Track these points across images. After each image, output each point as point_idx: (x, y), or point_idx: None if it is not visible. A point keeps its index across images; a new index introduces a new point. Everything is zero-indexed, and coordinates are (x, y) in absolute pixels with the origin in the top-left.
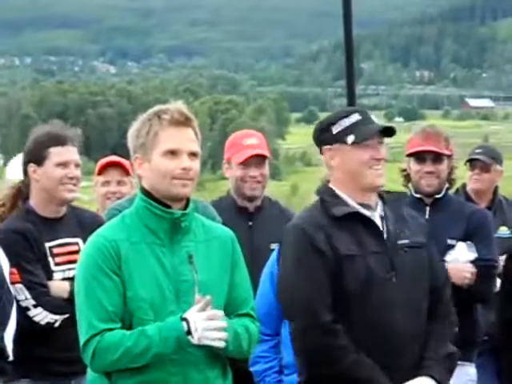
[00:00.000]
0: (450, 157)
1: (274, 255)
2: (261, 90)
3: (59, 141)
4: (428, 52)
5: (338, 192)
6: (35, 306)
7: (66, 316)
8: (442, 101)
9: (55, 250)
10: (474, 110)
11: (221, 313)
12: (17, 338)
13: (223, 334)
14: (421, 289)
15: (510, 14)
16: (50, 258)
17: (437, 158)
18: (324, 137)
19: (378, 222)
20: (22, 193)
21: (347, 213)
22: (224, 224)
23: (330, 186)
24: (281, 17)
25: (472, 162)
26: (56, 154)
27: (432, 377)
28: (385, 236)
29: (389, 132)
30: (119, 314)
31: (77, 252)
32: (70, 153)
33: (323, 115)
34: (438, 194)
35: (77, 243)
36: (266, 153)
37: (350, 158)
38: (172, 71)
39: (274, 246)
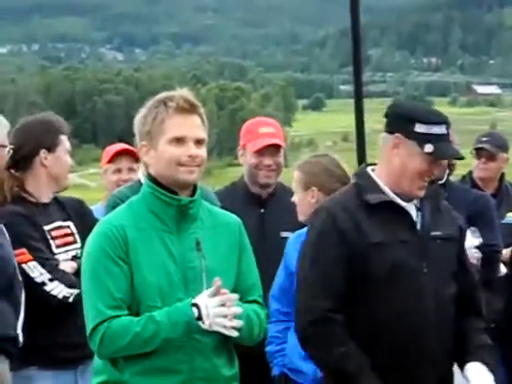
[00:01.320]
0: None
1: (297, 233)
2: (267, 77)
3: (65, 129)
4: (435, 39)
5: (376, 178)
6: (51, 280)
7: (78, 292)
8: (449, 88)
9: (53, 233)
10: (482, 97)
11: (235, 296)
12: (23, 326)
13: (237, 322)
14: (449, 281)
15: None
16: (51, 241)
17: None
18: (404, 126)
19: (413, 212)
20: (18, 179)
21: (382, 201)
22: (235, 210)
23: (369, 170)
24: (288, 3)
25: (478, 151)
26: (65, 141)
27: (483, 362)
28: (418, 226)
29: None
30: (126, 300)
31: (71, 234)
32: (68, 142)
33: (330, 102)
34: (440, 180)
35: (68, 226)
36: (281, 142)
37: (414, 161)
38: (179, 58)
39: (285, 234)
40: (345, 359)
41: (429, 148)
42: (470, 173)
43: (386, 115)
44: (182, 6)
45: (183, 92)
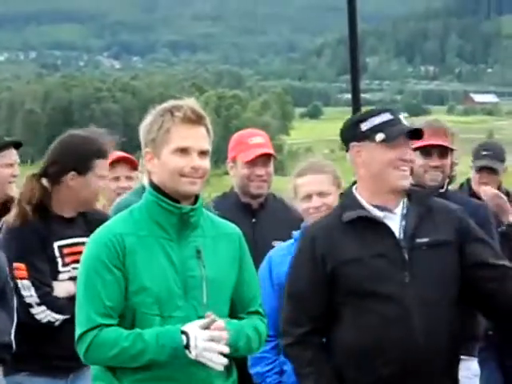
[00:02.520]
0: (452, 152)
1: (271, 253)
2: (265, 85)
3: (104, 154)
4: (433, 47)
5: (356, 194)
6: (39, 305)
7: (67, 317)
8: (446, 96)
9: (65, 250)
10: (479, 106)
11: (225, 334)
12: (16, 333)
13: (223, 360)
14: (440, 288)
15: None
16: (58, 259)
17: (443, 152)
18: (352, 133)
19: (393, 222)
20: (45, 190)
21: (354, 218)
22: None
23: (353, 189)
24: (285, 11)
25: (478, 166)
26: (100, 167)
27: None
28: (401, 236)
29: (417, 134)
30: (117, 309)
31: None
32: (107, 166)
33: (327, 110)
34: (441, 189)
35: (85, 243)
36: (272, 152)
37: (376, 156)
38: (176, 66)
39: (277, 243)
40: (307, 378)
41: (379, 137)
42: (468, 181)
43: (340, 136)
44: (179, 13)
45: (190, 102)
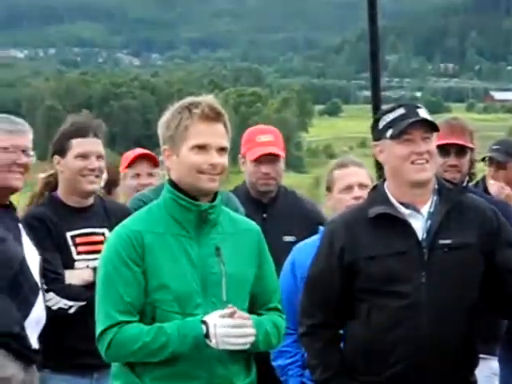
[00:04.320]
0: (472, 150)
1: (296, 246)
2: (284, 82)
3: (81, 132)
4: (452, 44)
5: (386, 190)
6: (47, 291)
7: (82, 303)
8: (466, 93)
9: (78, 240)
10: (499, 103)
11: (249, 321)
12: (42, 329)
13: (249, 339)
14: (456, 290)
15: None
16: (72, 247)
17: (461, 151)
18: (373, 132)
19: (418, 221)
20: (50, 183)
21: (380, 213)
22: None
23: (384, 184)
24: (304, 8)
25: (489, 159)
26: (77, 145)
27: None
28: (424, 235)
29: (433, 126)
30: (137, 306)
31: (102, 242)
32: (92, 144)
33: (346, 108)
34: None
35: (103, 233)
36: (279, 151)
37: (391, 152)
38: (196, 63)
39: (288, 238)
40: (315, 370)
41: (389, 133)
42: (483, 178)
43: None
44: (198, 11)
45: (208, 99)
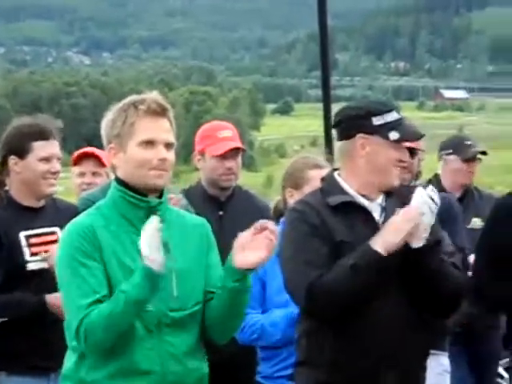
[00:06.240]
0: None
1: None
2: (236, 81)
3: (44, 135)
4: (403, 43)
5: (340, 181)
6: None
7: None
8: (416, 92)
9: (32, 240)
10: (449, 101)
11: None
12: None
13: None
14: (408, 279)
15: (484, 4)
16: (25, 248)
17: (412, 152)
18: (361, 124)
19: (376, 212)
20: (2, 182)
21: (341, 202)
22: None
23: (334, 174)
24: (256, 7)
25: (473, 157)
26: (40, 148)
27: None
28: (381, 223)
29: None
30: (106, 295)
31: (54, 242)
32: (53, 147)
33: (298, 106)
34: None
35: (55, 232)
36: (242, 145)
37: (383, 152)
38: (147, 62)
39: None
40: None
41: (394, 135)
42: (436, 176)
43: (338, 123)
44: (150, 9)
45: (153, 95)
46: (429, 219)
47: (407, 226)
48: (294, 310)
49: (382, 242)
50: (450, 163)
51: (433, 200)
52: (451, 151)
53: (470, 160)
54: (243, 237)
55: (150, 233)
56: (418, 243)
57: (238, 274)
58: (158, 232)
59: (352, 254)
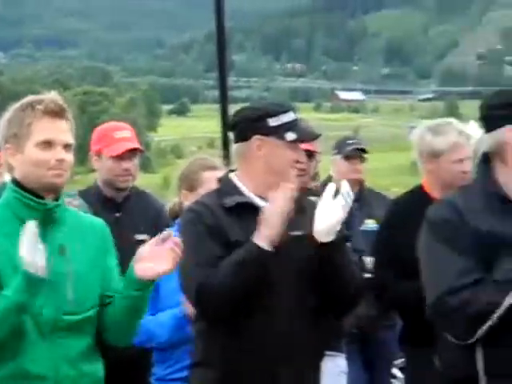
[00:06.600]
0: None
1: None
2: (132, 82)
3: None
4: (299, 44)
5: (237, 181)
6: None
7: None
8: (313, 93)
9: None
10: (345, 103)
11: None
12: None
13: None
14: (305, 277)
15: (380, 7)
16: None
17: (310, 155)
18: (257, 126)
19: None
20: None
21: (237, 203)
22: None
23: (230, 176)
24: (153, 7)
25: (352, 154)
26: None
27: None
28: None
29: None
30: None
31: None
32: None
33: (195, 107)
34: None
35: None
36: (139, 146)
37: (281, 154)
38: (42, 62)
39: (140, 236)
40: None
41: (290, 136)
42: (330, 178)
43: (235, 125)
44: (46, 8)
45: (52, 95)
46: (340, 214)
47: (275, 218)
48: (181, 311)
49: (262, 236)
50: (335, 163)
51: (346, 196)
52: (336, 151)
53: (351, 157)
54: (146, 247)
55: (29, 237)
56: (327, 238)
57: (138, 284)
58: (36, 236)
59: (237, 251)
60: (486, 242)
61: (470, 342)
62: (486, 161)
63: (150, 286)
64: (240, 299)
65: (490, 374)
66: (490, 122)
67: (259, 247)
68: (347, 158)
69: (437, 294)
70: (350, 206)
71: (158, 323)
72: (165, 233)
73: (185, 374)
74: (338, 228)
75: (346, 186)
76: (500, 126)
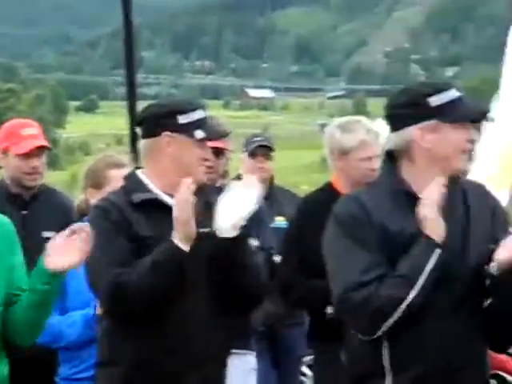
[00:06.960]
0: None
1: None
2: (39, 78)
3: None
4: (208, 42)
5: (144, 179)
6: None
7: None
8: (222, 91)
9: None
10: (255, 101)
11: None
12: None
13: None
14: (214, 275)
15: (288, 4)
16: None
17: (219, 152)
18: (166, 123)
19: None
20: None
21: (144, 199)
22: None
23: (137, 172)
24: (60, 2)
25: (255, 151)
26: None
27: None
28: None
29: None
30: None
31: None
32: None
33: (104, 104)
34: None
35: None
36: (47, 143)
37: (189, 151)
38: None
39: (48, 234)
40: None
41: (199, 134)
42: (239, 176)
43: (142, 121)
44: None
45: None
46: (244, 210)
47: (182, 214)
48: (91, 310)
49: (177, 235)
50: (243, 161)
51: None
52: (244, 149)
53: (255, 155)
54: (56, 239)
55: None
56: (230, 233)
57: (47, 277)
58: None
59: (154, 251)
60: (393, 239)
61: (374, 337)
62: (392, 159)
63: (59, 279)
64: (156, 299)
65: (395, 370)
66: (396, 120)
67: (177, 246)
68: (252, 155)
69: (342, 289)
70: (256, 202)
71: (67, 323)
72: (76, 225)
73: (91, 373)
74: (242, 224)
75: (251, 181)
76: (406, 125)
